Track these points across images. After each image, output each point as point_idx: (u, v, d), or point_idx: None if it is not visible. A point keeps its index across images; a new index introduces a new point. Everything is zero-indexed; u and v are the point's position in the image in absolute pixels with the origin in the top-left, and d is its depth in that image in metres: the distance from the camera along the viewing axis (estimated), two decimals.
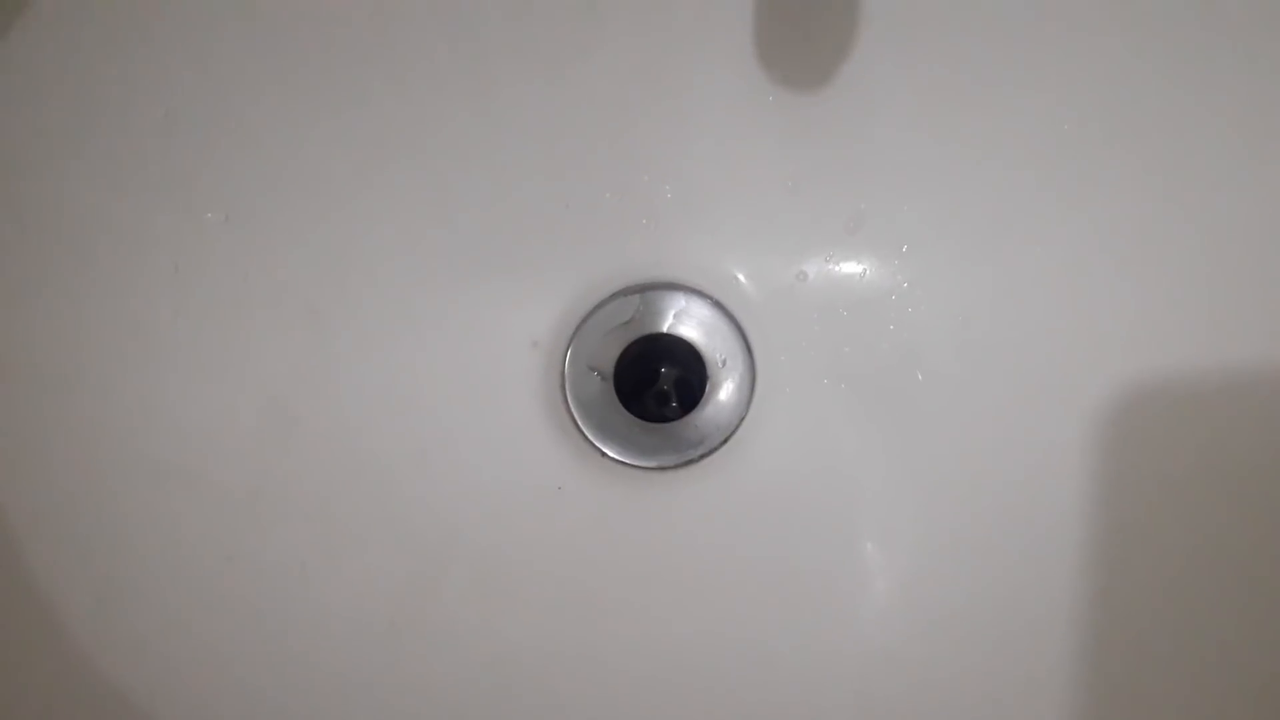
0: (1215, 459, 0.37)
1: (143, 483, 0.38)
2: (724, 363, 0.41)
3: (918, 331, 0.40)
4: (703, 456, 0.41)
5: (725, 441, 0.41)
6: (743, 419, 0.41)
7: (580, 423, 0.41)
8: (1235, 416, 0.37)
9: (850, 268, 0.41)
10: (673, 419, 0.42)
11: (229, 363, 0.40)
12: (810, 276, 0.41)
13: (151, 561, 0.38)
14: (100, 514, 0.38)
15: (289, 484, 0.39)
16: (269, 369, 0.40)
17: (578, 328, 0.42)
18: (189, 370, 0.39)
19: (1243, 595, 0.36)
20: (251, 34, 0.39)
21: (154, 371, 0.39)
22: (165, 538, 0.38)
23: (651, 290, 0.42)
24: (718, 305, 0.42)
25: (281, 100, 0.40)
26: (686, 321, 0.42)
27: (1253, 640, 0.36)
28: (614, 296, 0.42)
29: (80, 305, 0.39)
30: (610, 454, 0.41)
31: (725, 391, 0.41)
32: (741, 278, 0.41)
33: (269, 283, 0.40)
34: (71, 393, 0.39)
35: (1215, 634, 0.36)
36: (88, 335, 0.39)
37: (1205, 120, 0.37)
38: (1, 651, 0.36)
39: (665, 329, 0.42)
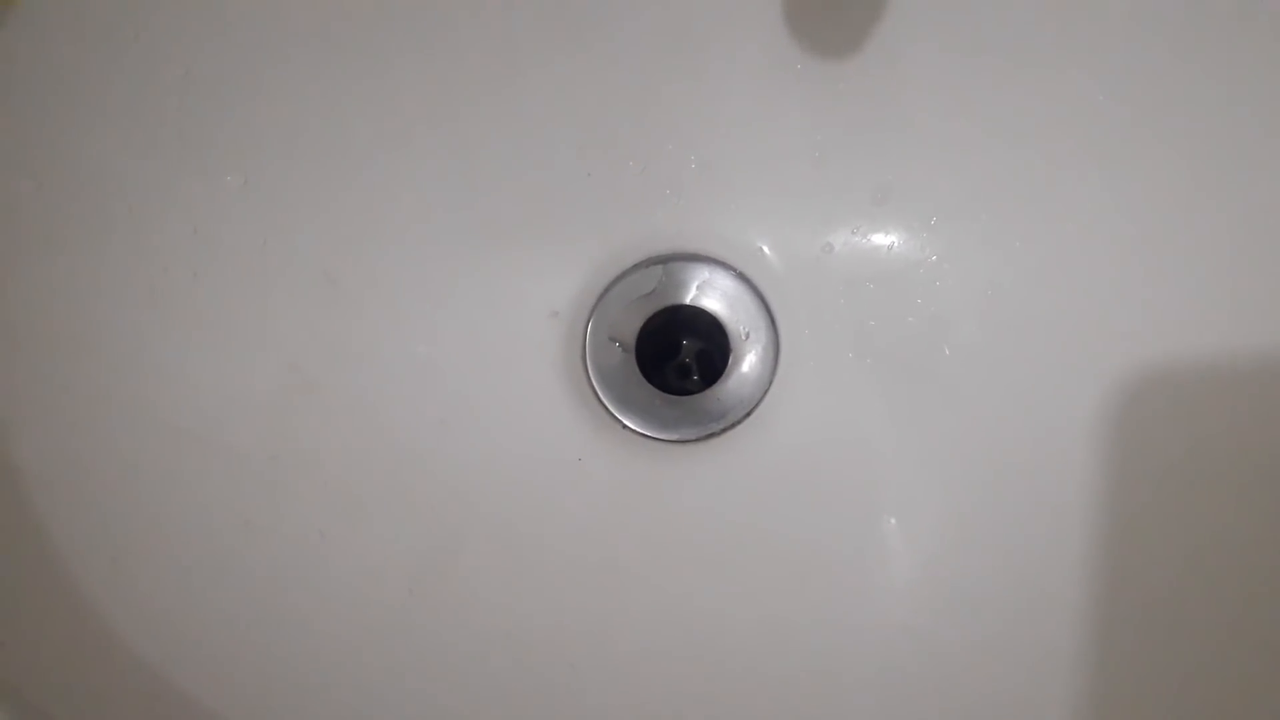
0: (1240, 440, 0.37)
1: (159, 446, 0.38)
2: (747, 335, 0.41)
3: (945, 306, 0.39)
4: (725, 430, 0.41)
5: (748, 415, 0.41)
6: (765, 393, 0.41)
7: (601, 394, 0.41)
8: (1262, 398, 0.37)
9: (878, 240, 0.40)
10: (694, 392, 0.42)
11: (247, 327, 0.39)
12: (836, 249, 0.40)
13: (167, 525, 0.37)
14: (116, 477, 0.38)
15: (306, 451, 0.39)
16: (288, 335, 0.40)
17: (599, 298, 0.41)
18: (206, 334, 0.39)
19: (1259, 575, 0.36)
20: None
21: (171, 335, 0.39)
22: (181, 502, 0.38)
23: (674, 261, 0.41)
24: (741, 277, 0.41)
25: (304, 64, 0.40)
26: (710, 293, 0.41)
27: (1265, 618, 0.36)
28: (636, 267, 0.41)
29: (98, 267, 0.39)
30: (631, 426, 0.41)
31: (748, 364, 0.41)
32: (766, 249, 0.41)
33: (288, 248, 0.40)
34: (88, 356, 0.38)
35: (1232, 612, 0.36)
36: (105, 297, 0.39)
37: (1239, 104, 0.37)
38: (18, 614, 0.35)
39: (688, 300, 0.41)
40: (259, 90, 0.39)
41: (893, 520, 0.39)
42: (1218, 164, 0.37)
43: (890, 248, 0.40)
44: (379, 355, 0.40)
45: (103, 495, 0.37)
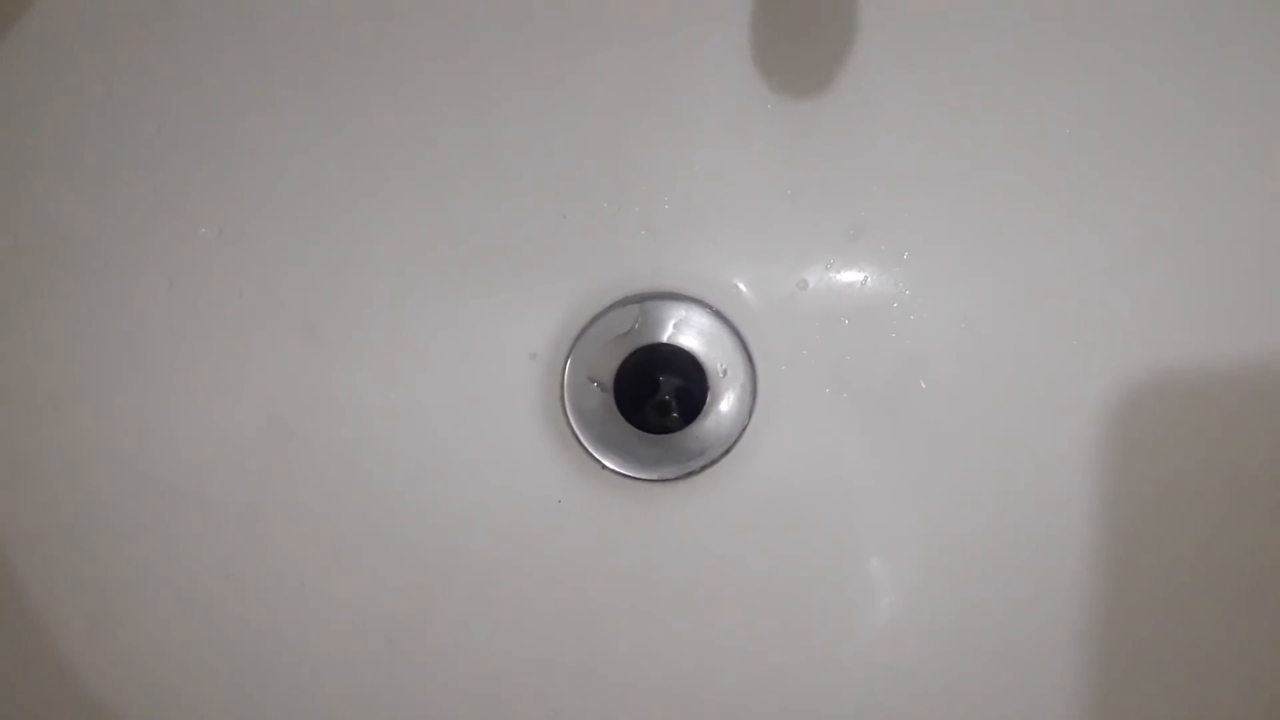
0: (1219, 467, 0.37)
1: (138, 500, 0.38)
2: (725, 373, 0.41)
3: (920, 339, 0.39)
4: (704, 468, 0.41)
5: (726, 452, 0.41)
6: (744, 429, 0.41)
7: (580, 434, 0.41)
8: (1238, 423, 0.37)
9: (851, 276, 0.40)
10: (673, 430, 0.42)
11: (225, 379, 0.39)
12: (811, 285, 0.40)
13: (146, 580, 0.37)
14: (94, 532, 0.38)
15: (286, 501, 0.39)
16: (265, 385, 0.40)
17: (577, 338, 0.41)
18: (184, 387, 0.39)
19: (1248, 603, 0.36)
20: (245, 46, 0.39)
21: (149, 388, 0.39)
22: (161, 556, 0.38)
23: (651, 300, 0.41)
24: (718, 315, 0.41)
25: (276, 113, 0.40)
26: (686, 331, 0.41)
27: (1258, 648, 0.36)
28: (613, 307, 0.42)
29: (73, 322, 0.39)
30: (610, 466, 0.41)
31: (726, 402, 0.41)
32: (742, 286, 0.41)
33: (264, 298, 0.40)
34: (65, 410, 0.38)
35: (1220, 641, 0.36)
36: (81, 352, 0.39)
37: (1207, 124, 0.37)
38: None
39: (665, 339, 0.41)
40: (231, 143, 0.40)
41: (874, 556, 0.39)
42: (1191, 190, 0.37)
43: (864, 283, 0.40)
44: (358, 403, 0.40)
45: (80, 551, 0.37)
